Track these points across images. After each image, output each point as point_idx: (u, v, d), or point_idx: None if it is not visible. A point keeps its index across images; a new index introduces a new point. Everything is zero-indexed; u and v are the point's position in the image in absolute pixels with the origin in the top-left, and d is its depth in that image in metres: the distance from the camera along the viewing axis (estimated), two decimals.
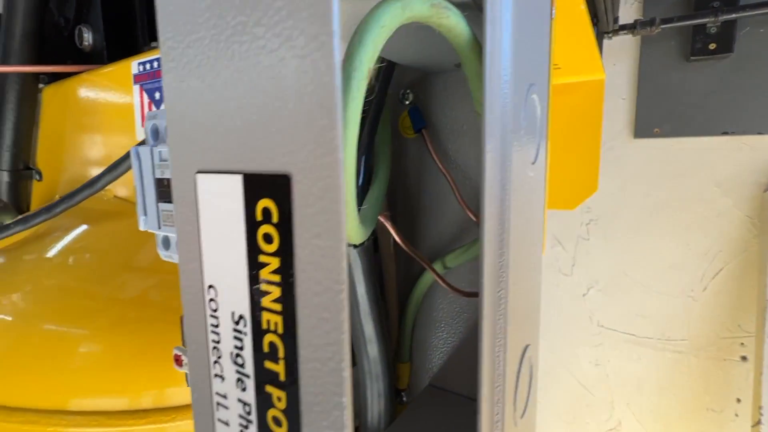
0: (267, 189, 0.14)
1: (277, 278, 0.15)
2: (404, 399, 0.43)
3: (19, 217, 0.59)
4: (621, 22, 0.99)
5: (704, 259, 1.08)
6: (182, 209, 0.17)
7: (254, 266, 0.15)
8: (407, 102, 0.38)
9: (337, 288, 0.13)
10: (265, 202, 0.15)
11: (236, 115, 0.15)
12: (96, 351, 0.58)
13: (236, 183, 0.15)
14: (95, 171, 0.69)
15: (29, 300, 0.62)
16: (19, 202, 0.81)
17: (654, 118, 1.09)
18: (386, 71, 0.32)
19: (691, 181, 1.08)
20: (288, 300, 0.15)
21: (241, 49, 0.14)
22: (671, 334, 1.15)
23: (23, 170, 0.81)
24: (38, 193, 0.86)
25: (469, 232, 0.38)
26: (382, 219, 0.32)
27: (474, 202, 0.37)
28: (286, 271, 0.14)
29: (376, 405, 0.37)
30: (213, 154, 0.16)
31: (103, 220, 0.74)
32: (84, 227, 0.72)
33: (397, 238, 0.32)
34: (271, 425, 0.16)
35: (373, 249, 0.35)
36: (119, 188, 0.75)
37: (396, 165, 0.40)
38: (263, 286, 0.15)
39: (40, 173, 0.84)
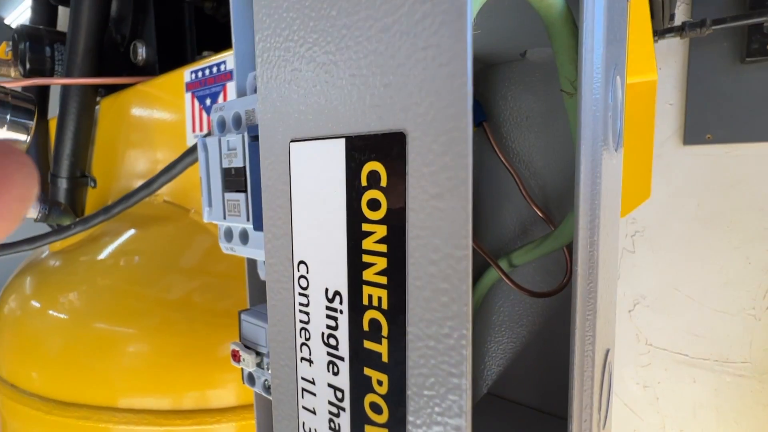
0: (376, 151, 0.13)
1: (382, 248, 0.14)
2: None
3: (79, 219, 0.61)
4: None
5: (766, 274, 1.00)
6: (272, 184, 0.17)
7: (356, 236, 0.14)
8: None
9: (460, 254, 0.12)
10: (372, 165, 0.14)
11: (341, 79, 0.14)
12: (143, 351, 0.59)
13: (338, 148, 0.14)
14: (144, 179, 0.71)
15: (84, 299, 0.64)
16: (75, 207, 0.84)
17: (705, 123, 1.03)
18: None
19: (747, 189, 1.01)
20: (396, 271, 0.13)
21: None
22: (730, 356, 1.06)
23: (80, 177, 0.84)
24: (92, 200, 0.89)
25: (534, 228, 0.35)
26: None
27: (540, 198, 0.35)
28: (396, 238, 0.13)
29: None
30: (312, 120, 0.15)
31: (153, 223, 0.76)
32: (134, 231, 0.74)
33: None
34: (369, 412, 0.14)
35: None
36: (170, 193, 0.77)
37: None
38: (366, 257, 0.14)
39: (94, 180, 0.88)
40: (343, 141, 0.14)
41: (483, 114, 0.36)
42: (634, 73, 0.72)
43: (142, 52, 0.90)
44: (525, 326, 0.37)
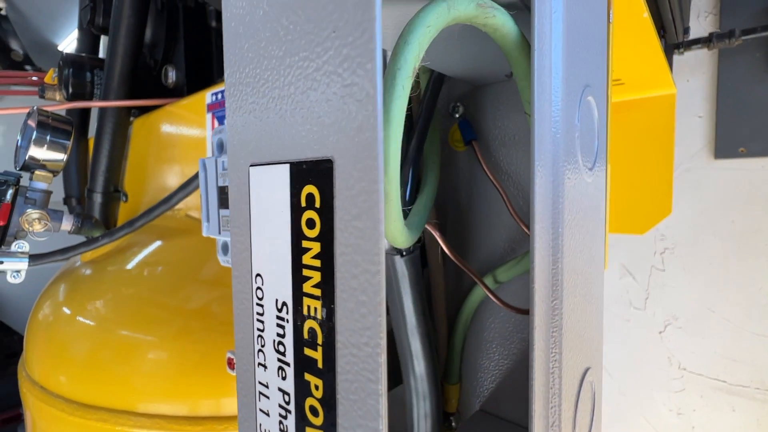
0: (312, 175, 0.15)
1: (317, 263, 0.15)
2: (453, 424, 0.41)
3: (106, 232, 0.66)
4: (694, 35, 0.93)
5: None
6: (236, 203, 0.19)
7: (298, 252, 0.16)
8: (457, 115, 0.38)
9: (374, 269, 0.13)
10: (309, 188, 0.15)
11: (286, 115, 0.16)
12: (162, 358, 0.62)
13: (284, 173, 0.16)
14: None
15: (109, 307, 0.69)
16: (107, 220, 0.91)
17: (738, 136, 0.99)
18: (435, 83, 0.33)
19: None
20: (327, 284, 0.15)
21: (285, 83, 0.15)
22: None
23: (113, 192, 0.91)
24: (123, 213, 0.96)
25: (522, 245, 0.36)
26: (429, 227, 0.32)
27: (527, 215, 0.35)
28: (327, 254, 0.15)
29: (422, 426, 0.36)
30: (265, 147, 0.17)
31: (176, 236, 0.80)
32: (159, 242, 0.79)
33: (444, 247, 0.31)
34: (309, 415, 0.16)
35: (420, 261, 0.35)
36: (191, 208, 0.82)
37: (446, 178, 0.40)
38: (305, 272, 0.16)
39: (126, 195, 0.94)
40: (288, 166, 0.16)
41: (473, 133, 0.37)
42: (647, 88, 0.71)
43: (172, 75, 0.97)
44: (516, 343, 0.37)
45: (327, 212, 0.15)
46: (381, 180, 0.13)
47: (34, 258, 0.59)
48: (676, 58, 0.99)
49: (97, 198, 0.90)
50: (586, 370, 0.28)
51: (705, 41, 0.91)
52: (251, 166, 0.18)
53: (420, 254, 0.34)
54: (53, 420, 0.60)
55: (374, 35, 0.12)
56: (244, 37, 0.17)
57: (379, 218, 0.13)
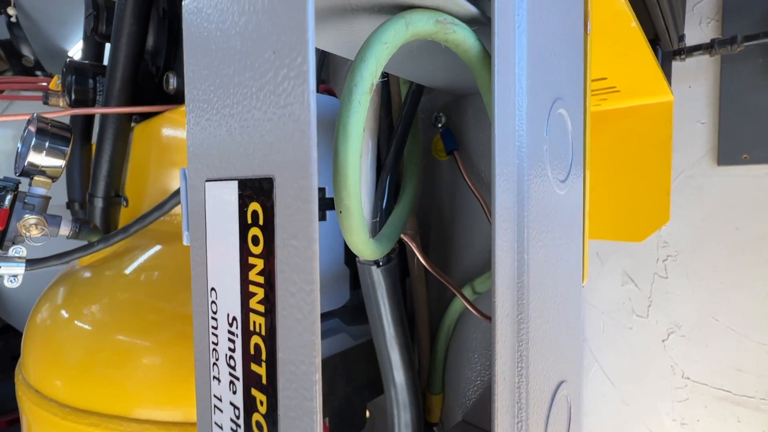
0: (256, 192, 0.15)
1: (261, 279, 0.15)
2: None
3: (102, 237, 0.66)
4: (697, 41, 0.92)
5: None
6: (194, 217, 0.19)
7: (245, 268, 0.16)
8: (440, 125, 0.38)
9: (308, 288, 0.13)
10: (254, 206, 0.15)
11: (236, 136, 0.16)
12: (156, 363, 0.62)
13: (234, 189, 0.16)
14: None
15: (105, 311, 0.69)
16: (108, 225, 0.92)
17: (742, 142, 0.97)
18: (414, 94, 0.33)
19: None
20: (270, 301, 0.15)
21: (234, 101, 0.16)
22: None
23: (114, 197, 0.92)
24: (124, 218, 0.97)
25: None
26: (405, 238, 0.32)
27: None
28: (269, 271, 0.15)
29: None
30: (218, 164, 0.17)
31: (173, 240, 0.81)
32: (157, 247, 0.79)
33: (420, 257, 0.31)
34: (255, 430, 0.16)
35: (399, 271, 0.35)
36: None
37: (429, 188, 0.40)
38: (251, 287, 0.16)
39: (126, 200, 0.95)
40: (236, 183, 0.16)
41: (454, 143, 0.37)
42: (643, 95, 0.71)
43: (173, 82, 0.98)
44: None
45: (269, 230, 0.15)
46: (314, 200, 0.13)
47: (31, 263, 0.60)
48: (677, 64, 0.98)
49: (98, 203, 0.91)
50: (560, 383, 0.28)
51: (707, 47, 0.90)
52: (207, 181, 0.18)
53: (399, 264, 0.34)
54: (47, 424, 0.61)
55: (307, 58, 0.13)
56: (202, 54, 0.18)
57: (313, 238, 0.13)
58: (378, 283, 0.31)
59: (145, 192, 0.95)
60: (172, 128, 0.86)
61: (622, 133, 0.75)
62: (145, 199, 0.95)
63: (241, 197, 0.16)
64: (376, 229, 0.29)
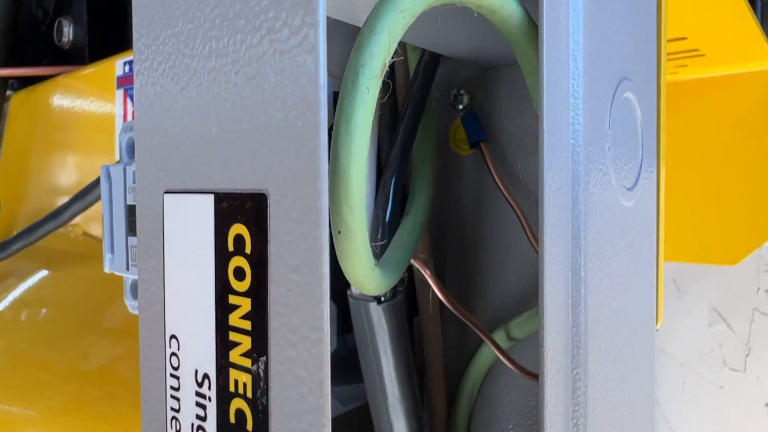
0: (241, 212, 0.17)
1: (248, 325, 0.17)
2: None
3: None
4: None
5: None
6: (146, 239, 0.21)
7: (224, 309, 0.18)
8: (461, 107, 0.41)
9: (315, 337, 0.15)
10: (238, 228, 0.17)
11: (211, 124, 0.18)
12: None
13: (208, 205, 0.18)
14: (65, 200, 0.77)
15: None
16: None
17: None
18: (427, 67, 0.35)
19: None
20: (260, 353, 0.17)
21: (218, 46, 0.17)
22: None
23: None
24: None
25: None
26: (416, 264, 0.34)
27: None
28: (259, 315, 0.17)
29: None
30: (184, 170, 0.19)
31: (68, 264, 0.81)
32: (44, 273, 0.80)
33: (436, 290, 0.33)
34: None
35: (407, 309, 0.36)
36: (91, 224, 0.83)
37: (446, 193, 0.42)
38: (232, 335, 0.18)
39: None
40: (212, 197, 0.18)
41: (481, 132, 0.39)
42: (732, 61, 0.74)
43: (68, 32, 0.98)
44: None
45: (260, 261, 0.17)
46: (325, 224, 0.15)
47: None
48: None
49: None
50: None
51: None
52: (166, 192, 0.20)
53: (406, 299, 0.36)
54: None
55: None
56: None
57: (323, 273, 0.15)
58: (379, 326, 0.33)
59: (26, 190, 0.95)
60: (66, 97, 0.87)
61: (707, 114, 0.78)
62: (28, 199, 0.95)
63: (219, 216, 0.18)
64: (377, 253, 0.31)
